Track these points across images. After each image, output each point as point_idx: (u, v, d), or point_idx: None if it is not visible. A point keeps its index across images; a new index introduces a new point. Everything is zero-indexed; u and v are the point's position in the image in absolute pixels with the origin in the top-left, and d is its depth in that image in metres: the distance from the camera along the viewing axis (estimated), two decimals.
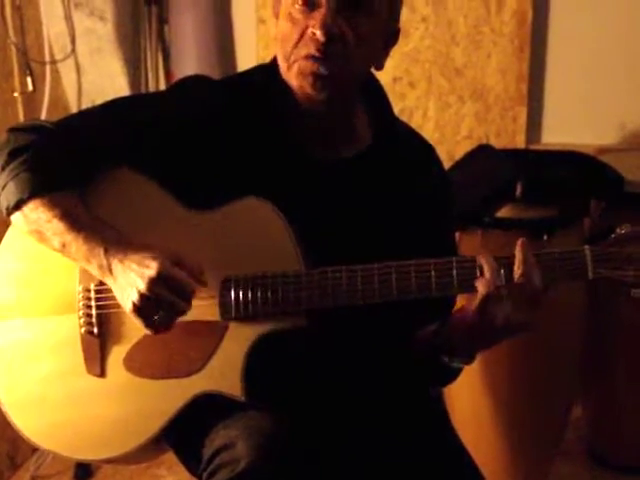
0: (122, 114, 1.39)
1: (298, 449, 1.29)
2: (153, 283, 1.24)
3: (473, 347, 1.38)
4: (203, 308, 1.30)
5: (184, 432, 1.38)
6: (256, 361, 1.30)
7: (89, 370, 1.36)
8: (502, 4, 2.67)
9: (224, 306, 1.31)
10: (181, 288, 1.26)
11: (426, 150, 1.51)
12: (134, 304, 1.26)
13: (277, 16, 1.37)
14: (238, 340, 1.30)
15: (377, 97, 1.47)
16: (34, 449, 2.52)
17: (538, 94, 2.73)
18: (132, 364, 1.35)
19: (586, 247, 1.26)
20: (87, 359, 1.37)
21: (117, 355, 1.36)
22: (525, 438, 2.29)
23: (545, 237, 2.10)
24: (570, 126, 2.72)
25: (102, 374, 1.36)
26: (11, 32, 2.40)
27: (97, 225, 1.32)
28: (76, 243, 1.30)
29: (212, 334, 1.32)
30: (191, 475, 1.46)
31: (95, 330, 1.36)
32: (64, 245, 1.31)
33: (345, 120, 1.41)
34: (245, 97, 1.40)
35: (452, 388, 2.31)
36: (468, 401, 2.29)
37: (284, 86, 1.36)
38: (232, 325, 1.31)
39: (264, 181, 1.36)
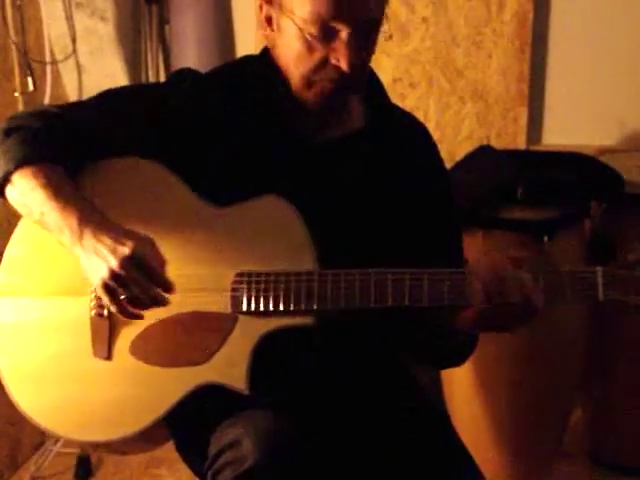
0: (118, 105, 1.43)
1: (303, 447, 1.29)
2: (126, 262, 1.24)
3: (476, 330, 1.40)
4: (215, 300, 1.31)
5: (188, 429, 1.39)
6: (262, 356, 1.31)
7: (96, 353, 1.36)
8: (503, 5, 2.67)
9: (236, 300, 1.32)
10: (152, 273, 1.26)
11: (425, 136, 1.53)
12: (103, 280, 1.26)
13: (268, 20, 1.36)
14: (246, 334, 1.31)
15: (371, 81, 1.48)
16: (34, 449, 2.53)
17: (539, 95, 2.73)
18: (139, 350, 1.35)
19: (598, 268, 1.28)
20: (95, 341, 1.37)
21: (125, 340, 1.36)
22: (525, 440, 2.29)
23: (545, 238, 2.10)
24: (571, 127, 2.72)
25: (109, 357, 1.36)
26: (12, 32, 2.40)
27: (78, 198, 1.31)
28: (54, 212, 1.29)
29: (221, 326, 1.32)
30: (193, 474, 1.46)
31: (105, 313, 1.36)
32: (43, 214, 1.31)
33: (339, 105, 1.42)
34: (238, 87, 1.42)
35: (453, 389, 2.32)
36: (468, 403, 2.29)
37: (277, 77, 1.38)
38: (242, 319, 1.32)
39: (261, 166, 1.38)
